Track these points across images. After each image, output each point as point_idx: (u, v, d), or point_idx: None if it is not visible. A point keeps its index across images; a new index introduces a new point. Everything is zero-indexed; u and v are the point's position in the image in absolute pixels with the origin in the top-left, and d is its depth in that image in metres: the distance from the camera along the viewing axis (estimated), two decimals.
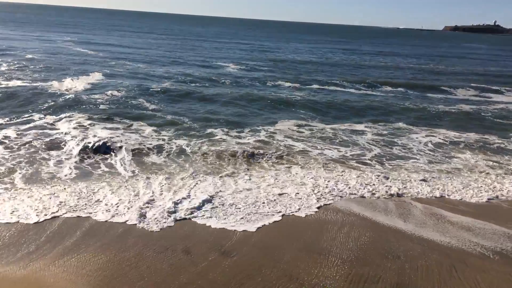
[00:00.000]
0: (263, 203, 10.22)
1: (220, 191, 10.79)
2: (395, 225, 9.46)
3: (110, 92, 22.12)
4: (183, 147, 14.33)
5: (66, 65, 30.41)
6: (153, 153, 13.57)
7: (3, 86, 22.03)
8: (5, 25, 77.06)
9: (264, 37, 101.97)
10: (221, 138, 15.64)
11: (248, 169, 12.65)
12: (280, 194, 10.78)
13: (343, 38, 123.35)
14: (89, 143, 13.76)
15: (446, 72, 44.45)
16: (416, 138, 17.47)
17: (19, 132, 14.64)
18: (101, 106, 19.13)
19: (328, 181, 11.86)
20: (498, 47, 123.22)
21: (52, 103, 19.14)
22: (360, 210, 10.15)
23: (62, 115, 17.20)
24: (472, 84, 34.98)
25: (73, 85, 23.63)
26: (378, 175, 12.64)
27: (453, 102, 26.70)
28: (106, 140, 14.12)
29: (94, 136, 14.66)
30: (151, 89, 23.79)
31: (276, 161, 13.57)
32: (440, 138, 17.61)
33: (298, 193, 10.90)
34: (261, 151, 14.23)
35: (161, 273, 7.19)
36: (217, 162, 13.10)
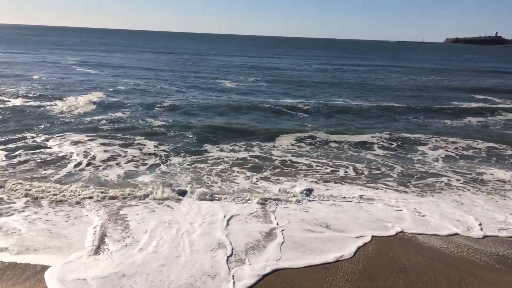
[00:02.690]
0: None
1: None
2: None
3: (112, 110, 22.25)
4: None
5: (69, 85, 30.67)
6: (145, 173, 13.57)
7: (8, 105, 22.24)
8: (8, 46, 78.11)
9: (261, 52, 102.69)
10: (229, 156, 15.66)
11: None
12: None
13: (344, 53, 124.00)
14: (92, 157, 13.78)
15: (451, 85, 44.51)
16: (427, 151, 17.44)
17: (11, 151, 14.67)
18: (104, 125, 19.20)
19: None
20: (501, 59, 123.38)
21: (55, 122, 19.22)
22: None
23: (63, 134, 17.19)
24: (477, 97, 35.11)
25: (76, 104, 23.79)
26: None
27: (461, 113, 26.74)
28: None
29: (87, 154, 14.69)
30: (152, 106, 23.93)
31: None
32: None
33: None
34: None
35: None
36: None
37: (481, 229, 10.04)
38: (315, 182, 13.07)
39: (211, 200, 11.16)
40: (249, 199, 11.25)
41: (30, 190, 11.09)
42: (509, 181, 13.87)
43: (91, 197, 10.88)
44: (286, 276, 7.71)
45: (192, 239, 9.00)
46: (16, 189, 11.13)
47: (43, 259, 7.98)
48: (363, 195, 12.06)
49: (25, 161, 13.76)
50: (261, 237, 9.27)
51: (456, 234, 9.71)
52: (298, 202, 11.32)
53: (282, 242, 9.03)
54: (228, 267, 7.96)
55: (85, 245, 8.48)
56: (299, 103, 27.62)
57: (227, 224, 9.79)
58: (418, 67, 70.09)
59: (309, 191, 12.03)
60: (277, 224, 9.96)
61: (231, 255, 8.41)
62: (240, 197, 11.42)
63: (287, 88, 35.61)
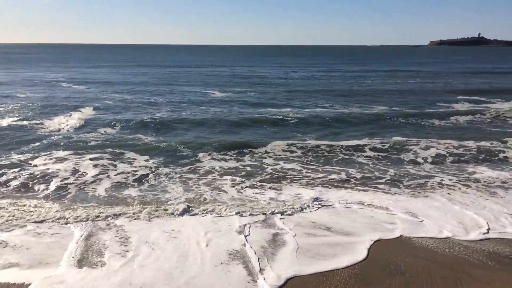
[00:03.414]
0: None
1: None
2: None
3: (101, 127, 22.06)
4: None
5: (57, 102, 30.39)
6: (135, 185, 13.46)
7: None
8: None
9: (249, 62, 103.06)
10: (223, 166, 15.60)
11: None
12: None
13: (330, 60, 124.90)
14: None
15: (437, 87, 45.03)
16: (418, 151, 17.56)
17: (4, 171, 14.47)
18: (92, 142, 19.00)
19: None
20: (485, 59, 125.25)
21: (42, 140, 18.98)
22: None
23: (50, 152, 16.95)
24: (464, 97, 35.59)
25: (65, 121, 23.60)
26: None
27: (448, 115, 27.01)
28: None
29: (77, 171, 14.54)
30: (141, 121, 23.75)
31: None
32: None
33: None
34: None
35: None
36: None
37: (476, 228, 10.07)
38: (310, 188, 13.06)
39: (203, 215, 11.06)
40: (247, 210, 11.16)
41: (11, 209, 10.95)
42: (498, 178, 14.00)
43: (77, 217, 10.62)
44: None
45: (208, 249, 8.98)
46: None
47: (26, 275, 7.92)
48: (359, 200, 12.06)
49: (9, 180, 13.51)
50: (273, 244, 9.30)
51: (450, 235, 9.73)
52: (299, 209, 11.26)
53: (297, 249, 9.06)
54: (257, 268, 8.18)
55: (67, 259, 8.36)
56: (288, 112, 27.69)
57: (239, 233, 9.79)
58: (404, 70, 70.83)
59: (305, 198, 12.03)
60: (287, 231, 9.98)
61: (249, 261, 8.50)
62: (241, 207, 11.35)
63: (275, 97, 35.70)
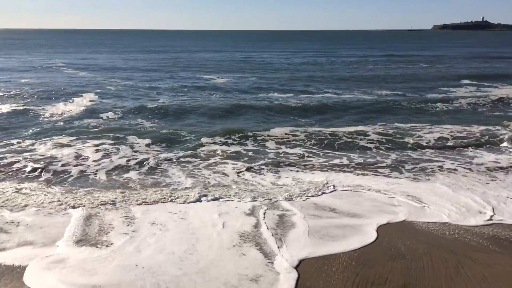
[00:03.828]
0: None
1: None
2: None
3: (103, 113, 22.03)
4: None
5: (58, 88, 30.31)
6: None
7: None
8: None
9: (250, 47, 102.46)
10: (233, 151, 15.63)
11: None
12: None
13: (332, 45, 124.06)
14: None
15: (440, 72, 44.77)
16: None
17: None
18: (94, 127, 19.04)
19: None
20: (489, 44, 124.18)
21: (44, 126, 19.00)
22: None
23: (51, 137, 16.95)
24: (467, 82, 35.43)
25: (66, 107, 23.59)
26: None
27: (451, 99, 26.91)
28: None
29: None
30: (143, 106, 23.73)
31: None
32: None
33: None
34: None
35: None
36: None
37: (477, 213, 10.10)
38: (311, 173, 13.10)
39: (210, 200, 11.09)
40: (253, 194, 11.22)
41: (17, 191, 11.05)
42: (499, 162, 14.01)
43: (79, 200, 10.68)
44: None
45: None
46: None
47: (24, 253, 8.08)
48: (361, 184, 12.09)
49: (10, 164, 13.53)
50: (282, 226, 9.40)
51: (452, 219, 9.77)
52: (303, 193, 11.30)
53: (308, 230, 9.15)
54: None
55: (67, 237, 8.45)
56: (290, 97, 27.64)
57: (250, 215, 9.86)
58: (407, 55, 70.35)
59: (308, 182, 12.08)
60: (296, 212, 10.08)
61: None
62: (245, 191, 11.39)
63: (277, 82, 35.55)
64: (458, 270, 7.54)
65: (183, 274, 7.43)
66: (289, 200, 10.81)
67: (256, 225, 9.39)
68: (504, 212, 10.17)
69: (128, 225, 9.39)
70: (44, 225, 9.31)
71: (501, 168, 13.59)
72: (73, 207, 10.26)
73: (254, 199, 10.88)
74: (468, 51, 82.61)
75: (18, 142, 16.16)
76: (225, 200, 10.86)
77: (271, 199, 10.87)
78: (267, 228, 9.22)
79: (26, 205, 10.33)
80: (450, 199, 10.94)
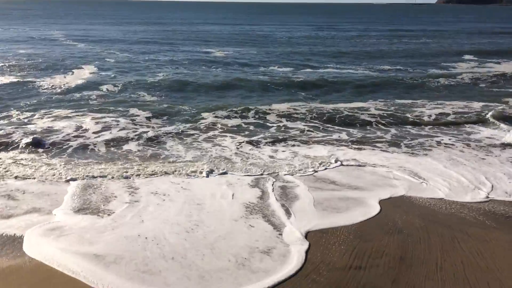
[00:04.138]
0: None
1: None
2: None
3: (103, 85, 21.86)
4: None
5: (58, 60, 30.05)
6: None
7: None
8: None
9: (251, 19, 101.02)
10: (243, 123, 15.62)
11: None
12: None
13: (335, 18, 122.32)
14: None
15: (443, 47, 44.31)
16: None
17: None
18: (94, 100, 18.98)
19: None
20: (495, 19, 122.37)
21: (42, 98, 18.90)
22: None
23: (51, 110, 16.86)
24: (469, 58, 35.16)
25: (67, 79, 23.42)
26: None
27: (452, 75, 26.76)
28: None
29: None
30: (143, 79, 23.60)
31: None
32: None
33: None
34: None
35: None
36: None
37: (474, 188, 10.18)
38: (312, 147, 13.14)
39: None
40: (254, 168, 11.29)
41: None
42: (496, 139, 14.08)
43: (80, 171, 10.69)
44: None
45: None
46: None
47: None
48: (360, 158, 12.14)
49: (9, 135, 13.50)
50: (285, 197, 9.51)
51: (448, 194, 9.85)
52: (305, 167, 11.36)
53: (313, 201, 9.28)
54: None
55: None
56: (291, 72, 27.47)
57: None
58: (410, 30, 69.43)
59: (308, 156, 12.13)
60: (298, 184, 10.22)
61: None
62: (246, 165, 11.44)
63: (277, 56, 35.21)
64: (453, 245, 7.65)
65: (190, 245, 7.45)
66: (292, 174, 10.88)
67: (262, 197, 9.48)
68: (499, 188, 10.24)
69: (130, 194, 9.47)
70: (43, 195, 9.38)
71: (496, 145, 13.64)
72: (73, 178, 10.30)
73: (257, 173, 10.94)
74: (472, 26, 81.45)
75: (17, 114, 16.11)
76: (228, 173, 10.92)
77: (273, 172, 10.94)
78: (276, 200, 9.31)
79: (23, 175, 10.37)
80: (447, 175, 10.99)
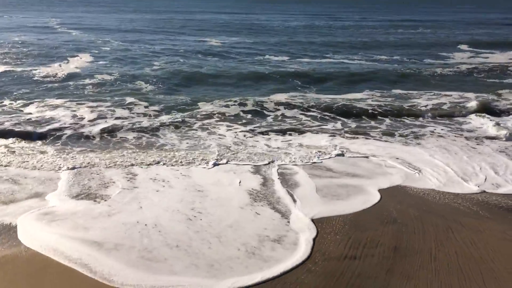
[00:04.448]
0: None
1: None
2: None
3: (99, 74, 21.69)
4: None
5: (53, 48, 29.80)
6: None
7: None
8: None
9: (248, 8, 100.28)
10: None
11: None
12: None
13: (330, 9, 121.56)
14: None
15: (440, 38, 44.26)
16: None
17: None
18: (90, 89, 18.84)
19: None
20: (492, 9, 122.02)
21: (36, 87, 18.66)
22: None
23: (44, 99, 16.64)
24: (466, 48, 35.14)
25: (62, 68, 23.21)
26: None
27: (448, 66, 26.79)
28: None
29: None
30: (139, 69, 23.48)
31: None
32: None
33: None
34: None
35: None
36: None
37: (469, 179, 10.23)
38: (311, 137, 13.18)
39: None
40: (251, 157, 11.27)
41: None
42: (488, 130, 14.24)
43: (75, 161, 10.61)
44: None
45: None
46: None
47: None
48: (355, 148, 12.17)
49: (2, 123, 13.34)
50: (286, 184, 9.57)
51: (443, 185, 9.90)
52: (303, 156, 11.39)
53: (315, 188, 9.35)
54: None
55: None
56: (288, 62, 27.41)
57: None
58: (407, 20, 69.20)
59: (308, 146, 12.16)
60: (297, 171, 10.29)
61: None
62: (245, 154, 11.42)
63: (274, 46, 35.07)
64: (448, 235, 7.71)
65: (195, 234, 7.37)
66: (292, 162, 10.91)
67: (265, 184, 9.49)
68: (494, 179, 10.30)
69: (127, 180, 9.41)
70: (37, 182, 9.31)
71: (485, 137, 13.72)
72: (67, 166, 10.20)
73: (257, 161, 10.94)
74: (471, 17, 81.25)
75: (11, 103, 15.97)
76: (228, 162, 10.90)
77: (272, 161, 10.96)
78: (282, 186, 9.34)
79: (17, 164, 10.31)
80: (439, 165, 11.04)
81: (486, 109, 16.59)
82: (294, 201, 8.73)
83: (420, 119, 15.52)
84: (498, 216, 8.49)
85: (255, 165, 10.63)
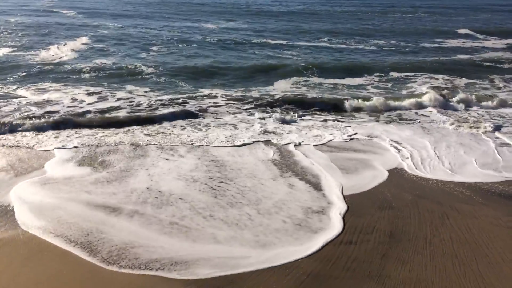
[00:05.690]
0: None
1: None
2: None
3: (98, 58, 21.51)
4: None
5: (50, 31, 29.45)
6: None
7: None
8: None
9: None
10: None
11: None
12: None
13: None
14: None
15: (439, 23, 43.98)
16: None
17: None
18: (87, 72, 18.66)
19: None
20: None
21: (32, 70, 18.46)
22: None
23: (39, 83, 16.52)
24: (462, 33, 35.00)
25: (59, 51, 22.96)
26: None
27: (445, 51, 26.73)
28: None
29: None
30: (137, 51, 23.30)
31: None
32: None
33: None
34: None
35: None
36: None
37: (462, 164, 10.27)
38: (310, 120, 13.18)
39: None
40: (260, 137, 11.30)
41: None
42: (480, 114, 14.47)
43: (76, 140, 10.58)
44: None
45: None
46: None
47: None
48: (355, 132, 12.20)
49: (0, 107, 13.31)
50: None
51: (438, 172, 9.93)
52: (308, 138, 11.51)
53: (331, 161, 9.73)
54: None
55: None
56: (288, 47, 27.22)
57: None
58: (404, 6, 68.57)
59: (313, 127, 12.20)
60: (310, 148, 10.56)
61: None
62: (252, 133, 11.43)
63: (273, 31, 34.77)
64: (443, 221, 7.77)
65: (227, 204, 7.25)
66: (300, 143, 11.03)
67: (284, 155, 9.73)
68: (488, 164, 10.34)
69: (134, 149, 9.35)
70: (37, 158, 9.31)
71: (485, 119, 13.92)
72: (64, 145, 10.17)
73: (261, 139, 11.06)
74: (470, 2, 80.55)
75: (8, 87, 15.86)
76: (236, 139, 10.95)
77: (278, 140, 11.11)
78: (305, 157, 9.66)
79: (17, 143, 10.32)
80: (438, 151, 11.08)
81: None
82: (322, 172, 8.96)
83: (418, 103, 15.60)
84: (492, 202, 8.54)
85: (262, 142, 10.72)
